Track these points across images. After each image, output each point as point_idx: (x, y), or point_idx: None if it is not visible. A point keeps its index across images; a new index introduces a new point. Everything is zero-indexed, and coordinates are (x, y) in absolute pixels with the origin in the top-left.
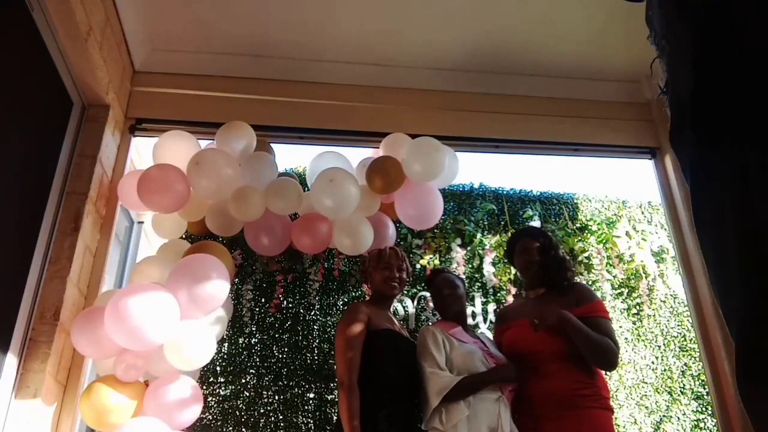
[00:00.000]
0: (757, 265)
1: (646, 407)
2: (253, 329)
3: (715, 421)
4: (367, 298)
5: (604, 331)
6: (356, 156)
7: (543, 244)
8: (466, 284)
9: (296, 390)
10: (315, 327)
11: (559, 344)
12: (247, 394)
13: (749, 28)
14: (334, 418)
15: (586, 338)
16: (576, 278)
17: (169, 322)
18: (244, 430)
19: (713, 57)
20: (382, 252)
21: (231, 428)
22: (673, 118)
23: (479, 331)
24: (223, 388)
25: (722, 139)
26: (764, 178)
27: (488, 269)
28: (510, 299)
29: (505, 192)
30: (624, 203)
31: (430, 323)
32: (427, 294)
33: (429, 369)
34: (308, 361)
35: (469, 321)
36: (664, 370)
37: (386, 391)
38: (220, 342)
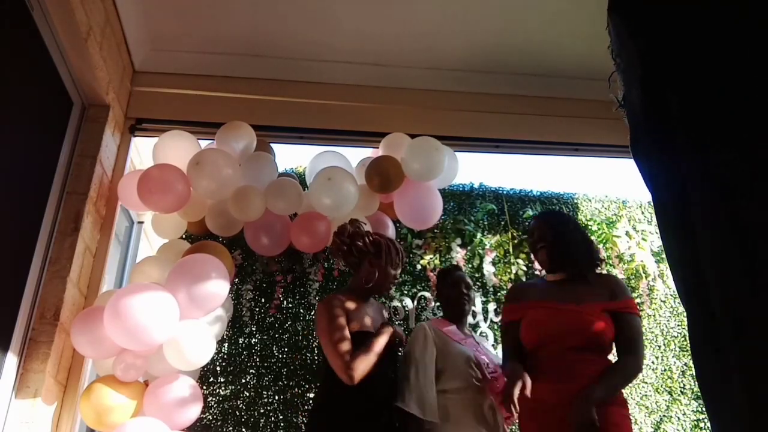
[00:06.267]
0: (716, 275)
1: (646, 407)
2: (253, 329)
3: None
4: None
5: (636, 331)
6: (356, 156)
7: (554, 224)
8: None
9: (296, 390)
10: (315, 327)
11: (596, 330)
12: (247, 394)
13: (692, 48)
14: None
15: (620, 387)
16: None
17: (169, 321)
18: (244, 430)
19: (658, 74)
20: (397, 248)
21: (231, 428)
22: (630, 130)
23: (480, 330)
24: (223, 388)
25: (673, 146)
26: (713, 182)
27: (488, 269)
28: None
29: (505, 192)
30: (624, 203)
31: None
32: (427, 294)
33: (413, 376)
34: (308, 361)
35: (469, 320)
36: (665, 370)
37: (366, 400)
38: (220, 342)
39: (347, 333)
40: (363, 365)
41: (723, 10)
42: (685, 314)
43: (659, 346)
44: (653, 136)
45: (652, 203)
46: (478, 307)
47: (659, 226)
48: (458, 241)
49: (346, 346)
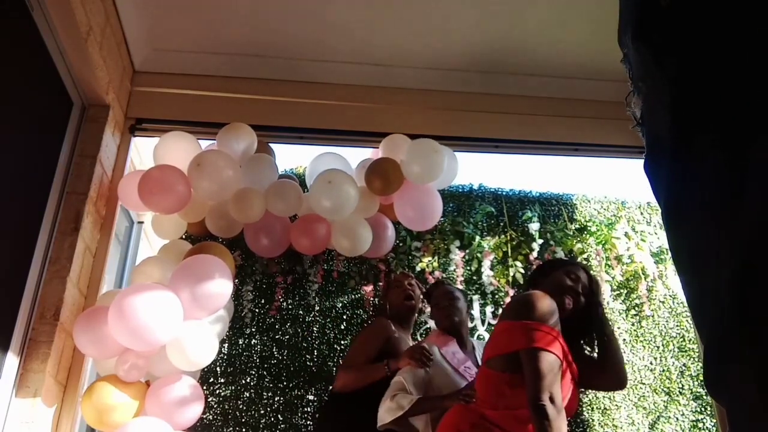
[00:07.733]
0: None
1: (644, 408)
2: (253, 330)
3: (714, 421)
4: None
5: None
6: (356, 156)
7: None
8: (466, 291)
9: (296, 391)
10: (315, 328)
11: None
12: (247, 394)
13: (725, 75)
14: None
15: None
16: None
17: (172, 322)
18: (244, 430)
19: (690, 102)
20: (395, 276)
21: (231, 429)
22: (648, 147)
23: (477, 334)
24: (223, 389)
25: (703, 168)
26: (741, 197)
27: (487, 272)
28: (508, 301)
29: (504, 193)
30: (623, 204)
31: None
32: None
33: (398, 390)
34: (308, 363)
35: (468, 324)
36: (663, 370)
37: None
38: (221, 343)
39: (372, 355)
40: (353, 376)
41: (758, 32)
42: (683, 315)
43: (658, 347)
44: (683, 159)
45: (660, 208)
46: (476, 310)
47: (676, 231)
48: (457, 243)
49: (361, 359)
